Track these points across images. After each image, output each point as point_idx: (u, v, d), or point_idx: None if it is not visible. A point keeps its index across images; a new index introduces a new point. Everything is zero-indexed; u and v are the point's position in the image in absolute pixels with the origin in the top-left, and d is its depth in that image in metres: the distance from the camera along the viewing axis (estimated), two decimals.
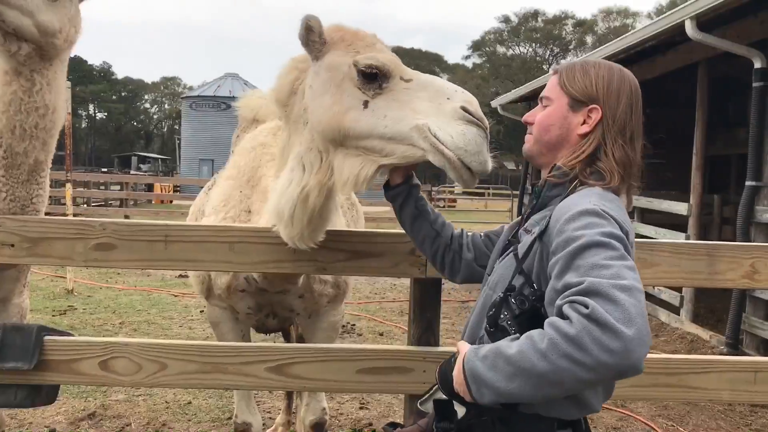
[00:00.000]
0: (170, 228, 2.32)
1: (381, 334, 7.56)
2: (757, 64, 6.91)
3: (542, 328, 1.40)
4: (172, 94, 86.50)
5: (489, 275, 1.81)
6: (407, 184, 2.10)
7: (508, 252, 1.75)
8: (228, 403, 5.24)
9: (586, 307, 1.32)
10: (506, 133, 57.46)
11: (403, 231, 2.23)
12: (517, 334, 1.46)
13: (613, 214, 1.53)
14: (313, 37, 2.09)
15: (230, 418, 4.94)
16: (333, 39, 2.12)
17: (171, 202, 28.75)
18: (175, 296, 9.40)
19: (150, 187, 27.85)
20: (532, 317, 1.50)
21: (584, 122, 1.69)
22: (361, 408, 5.29)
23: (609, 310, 1.31)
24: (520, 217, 1.87)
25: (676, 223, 9.28)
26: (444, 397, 1.58)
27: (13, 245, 2.27)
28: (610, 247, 1.43)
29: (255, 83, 43.48)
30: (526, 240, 1.67)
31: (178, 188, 33.28)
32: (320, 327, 3.21)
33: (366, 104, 2.00)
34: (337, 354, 2.40)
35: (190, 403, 5.21)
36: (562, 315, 1.37)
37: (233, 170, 3.16)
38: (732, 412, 5.66)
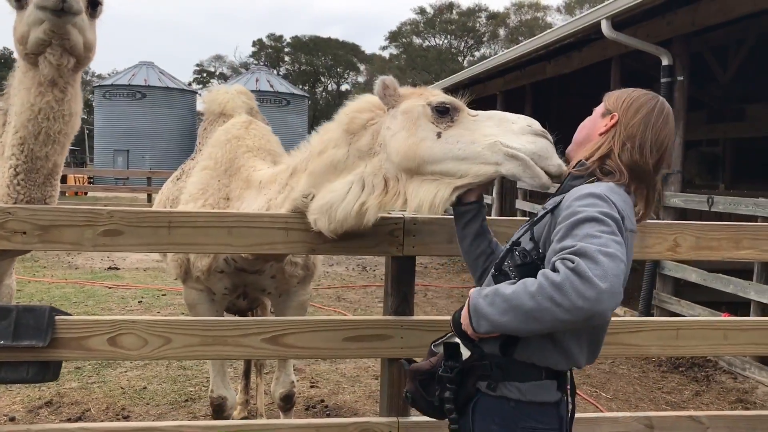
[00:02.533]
0: (173, 214, 2.54)
1: None
2: (665, 62, 7.57)
3: None
4: (82, 82, 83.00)
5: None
6: (479, 203, 2.29)
7: (525, 226, 2.02)
8: (183, 387, 5.41)
9: (572, 262, 1.61)
10: None
11: (382, 215, 2.52)
12: (516, 279, 1.76)
13: (615, 200, 1.79)
14: (389, 92, 2.41)
15: (187, 400, 5.16)
16: (405, 93, 2.44)
17: (86, 194, 27.90)
18: (109, 288, 9.36)
19: (63, 179, 26.87)
20: (531, 269, 1.76)
21: (605, 125, 2.01)
22: (312, 387, 5.58)
23: (591, 267, 1.59)
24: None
25: None
26: (455, 341, 1.90)
27: (25, 233, 2.43)
28: (604, 223, 1.70)
29: (172, 72, 42.49)
30: (540, 214, 1.96)
31: (92, 179, 32.27)
32: (290, 305, 3.52)
33: (439, 135, 2.26)
34: (325, 325, 2.68)
35: (145, 388, 5.35)
36: (554, 269, 1.66)
37: (210, 161, 3.39)
38: (646, 378, 6.27)
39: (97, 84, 41.95)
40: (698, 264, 6.92)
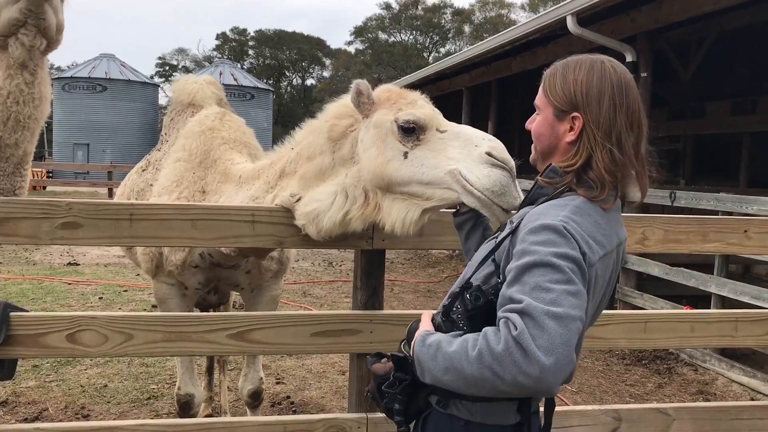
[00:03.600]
0: (135, 207, 2.45)
1: None
2: (629, 58, 7.66)
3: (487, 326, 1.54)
4: None
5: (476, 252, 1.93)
6: (474, 211, 2.17)
7: (492, 236, 1.89)
8: (145, 385, 5.30)
9: (516, 328, 1.41)
10: None
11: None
12: (461, 330, 1.59)
13: (577, 232, 1.55)
14: (362, 99, 2.36)
15: (149, 398, 5.05)
16: (380, 99, 2.38)
17: (44, 188, 27.25)
18: (69, 284, 9.14)
19: None
20: (486, 311, 1.60)
21: (570, 129, 1.70)
22: (277, 383, 5.51)
23: (535, 336, 1.39)
24: None
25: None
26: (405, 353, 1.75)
27: None
28: (558, 269, 1.47)
29: (133, 65, 41.74)
30: (503, 233, 1.74)
31: (51, 173, 31.56)
32: (262, 300, 3.45)
33: (406, 155, 2.23)
34: (293, 320, 2.62)
35: (105, 386, 5.23)
36: (498, 327, 1.47)
37: (183, 153, 3.30)
38: (610, 371, 6.33)
39: (57, 76, 41.01)
40: (659, 258, 7.02)
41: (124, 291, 8.76)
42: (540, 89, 1.80)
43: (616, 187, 1.68)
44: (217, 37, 69.97)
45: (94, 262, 11.19)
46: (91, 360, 5.67)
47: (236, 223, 2.52)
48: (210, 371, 4.86)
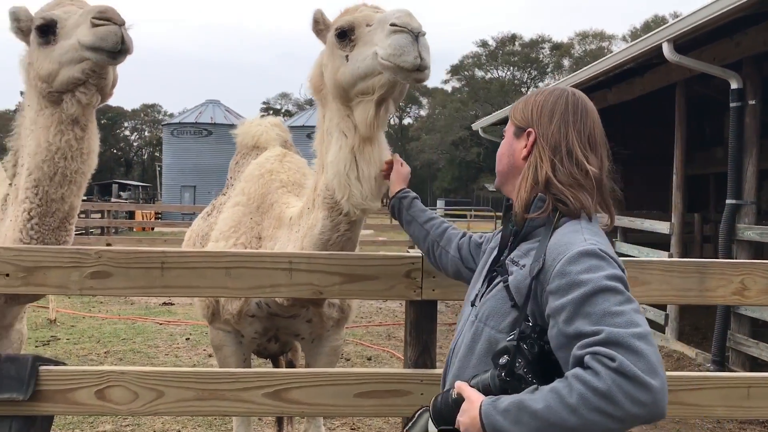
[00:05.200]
0: (167, 254, 2.31)
1: (369, 359, 7.53)
2: (734, 85, 7.07)
3: (554, 370, 1.47)
4: (153, 121, 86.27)
5: (473, 302, 1.81)
6: (396, 197, 2.37)
7: (496, 283, 1.74)
8: (218, 431, 5.19)
9: (613, 360, 1.34)
10: (486, 155, 57.84)
11: (398, 254, 2.37)
12: (535, 385, 1.46)
13: (610, 252, 1.55)
14: (319, 26, 2.54)
15: None
16: (333, 22, 2.49)
17: (152, 229, 28.51)
18: (160, 324, 9.31)
19: (131, 215, 27.60)
20: (541, 357, 1.52)
21: (525, 146, 1.74)
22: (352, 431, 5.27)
23: (634, 362, 1.33)
24: (500, 238, 1.85)
25: (656, 242, 9.40)
26: (436, 428, 1.61)
27: (8, 275, 2.25)
28: (617, 291, 1.45)
29: (237, 109, 43.55)
30: (518, 276, 1.65)
31: (160, 215, 33.05)
32: (323, 351, 3.26)
33: (347, 58, 2.36)
34: (334, 378, 2.38)
35: (179, 431, 5.15)
36: (581, 364, 1.39)
37: (242, 197, 3.20)
38: (722, 430, 5.69)
39: (167, 122, 43.35)
40: None
41: None
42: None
43: (584, 206, 1.65)
44: None
45: (188, 301, 11.39)
46: None
47: (273, 271, 2.33)
48: (280, 421, 4.70)
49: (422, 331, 2.42)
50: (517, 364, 1.51)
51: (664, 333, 8.43)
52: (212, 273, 2.31)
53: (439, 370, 2.39)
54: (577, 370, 1.38)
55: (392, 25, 2.19)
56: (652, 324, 8.70)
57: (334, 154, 2.45)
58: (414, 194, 2.40)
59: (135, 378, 2.30)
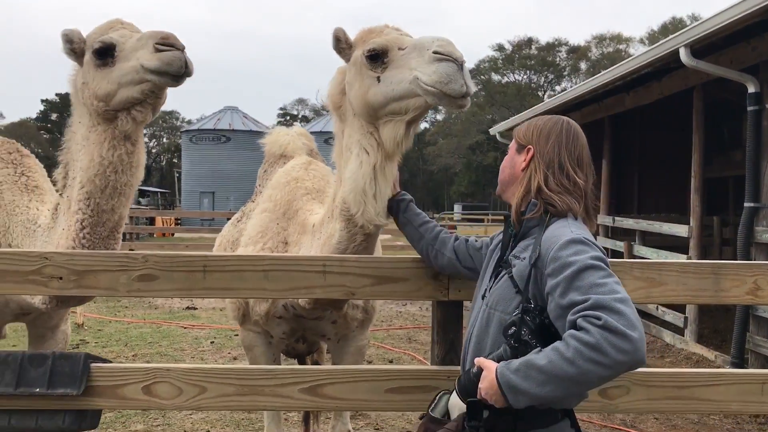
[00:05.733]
0: (208, 259, 2.47)
1: (390, 361, 7.65)
2: (751, 89, 7.12)
3: (553, 338, 1.75)
4: (171, 127, 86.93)
5: (483, 295, 2.11)
6: (394, 199, 2.56)
7: (501, 275, 2.05)
8: None
9: (599, 319, 1.65)
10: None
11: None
12: (539, 347, 1.76)
13: (592, 240, 1.89)
14: (341, 44, 2.59)
15: None
16: (356, 41, 2.58)
17: (173, 235, 28.87)
18: (184, 328, 9.50)
19: (151, 221, 27.96)
20: (543, 329, 1.82)
21: (524, 160, 2.09)
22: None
23: (617, 319, 1.65)
24: (500, 238, 2.19)
25: (675, 245, 9.43)
26: (462, 402, 1.91)
27: (61, 278, 2.41)
28: (600, 268, 1.77)
29: (255, 116, 43.91)
30: (520, 266, 1.97)
31: (179, 221, 33.41)
32: (348, 351, 3.39)
33: (378, 79, 2.44)
34: (367, 374, 2.52)
35: (208, 431, 5.31)
36: (575, 326, 1.69)
37: (269, 203, 3.34)
38: (741, 430, 5.75)
39: (185, 129, 43.74)
40: None
41: (235, 335, 8.96)
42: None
43: (570, 207, 1.98)
44: None
45: (211, 306, 11.59)
46: None
47: (308, 274, 2.47)
48: (306, 421, 4.83)
49: (449, 330, 2.55)
50: (523, 332, 1.83)
51: (683, 336, 8.47)
52: (251, 276, 2.46)
53: None
54: (572, 331, 1.69)
55: (435, 53, 2.29)
56: (672, 327, 8.76)
57: (353, 171, 2.52)
58: (410, 197, 2.62)
59: (180, 375, 2.46)
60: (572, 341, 1.66)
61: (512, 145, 2.18)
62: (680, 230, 8.71)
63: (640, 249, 9.50)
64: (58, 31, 2.64)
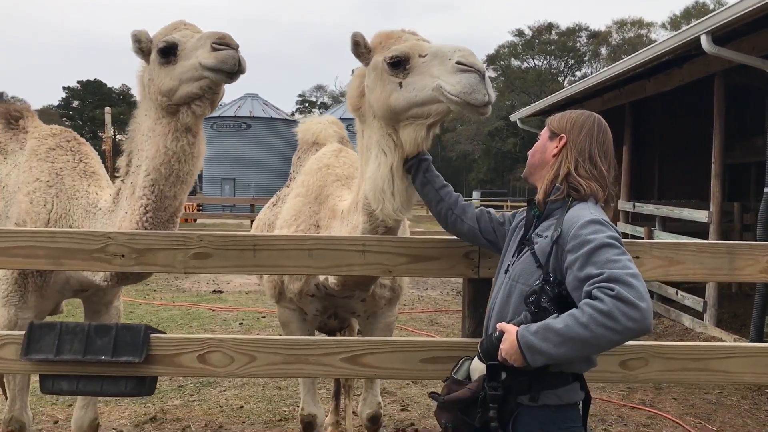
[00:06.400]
0: (258, 238, 2.68)
1: None
2: None
3: (570, 308, 1.93)
4: None
5: (506, 270, 2.29)
6: (417, 158, 2.62)
7: (524, 251, 2.23)
8: (277, 407, 5.58)
9: (612, 290, 1.84)
10: (523, 146, 57.47)
11: (456, 237, 2.67)
12: (557, 313, 1.96)
13: (608, 220, 2.08)
14: (360, 49, 2.69)
15: (281, 420, 5.30)
16: (375, 45, 2.69)
17: (195, 221, 29.23)
18: (213, 311, 9.77)
19: None
20: (560, 300, 2.01)
21: (556, 147, 2.27)
22: (402, 410, 5.61)
23: (628, 291, 1.84)
24: (523, 216, 2.37)
25: (696, 231, 9.51)
26: (482, 366, 2.12)
27: (123, 256, 2.63)
28: (615, 246, 1.97)
29: (275, 103, 44.11)
30: (542, 243, 2.15)
31: (201, 207, 33.79)
32: (377, 326, 3.60)
33: (400, 85, 2.54)
34: (402, 345, 2.72)
35: (242, 407, 5.55)
36: (590, 296, 1.88)
37: (302, 188, 3.54)
38: (758, 410, 5.89)
39: (205, 116, 43.99)
40: None
41: (263, 317, 9.23)
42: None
43: (594, 193, 2.18)
44: (353, 73, 72.39)
45: (237, 289, 11.88)
46: (229, 381, 6.06)
47: (348, 253, 2.67)
48: (337, 396, 5.05)
49: (479, 305, 2.74)
50: (542, 300, 2.02)
51: (703, 320, 8.58)
52: (296, 254, 2.66)
53: None
54: (587, 300, 1.88)
55: (459, 63, 2.41)
56: (691, 311, 8.87)
57: (372, 171, 2.64)
58: (430, 157, 2.70)
59: (231, 344, 2.67)
60: (587, 308, 1.86)
61: (544, 133, 2.35)
62: (700, 216, 8.80)
63: (660, 234, 9.59)
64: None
